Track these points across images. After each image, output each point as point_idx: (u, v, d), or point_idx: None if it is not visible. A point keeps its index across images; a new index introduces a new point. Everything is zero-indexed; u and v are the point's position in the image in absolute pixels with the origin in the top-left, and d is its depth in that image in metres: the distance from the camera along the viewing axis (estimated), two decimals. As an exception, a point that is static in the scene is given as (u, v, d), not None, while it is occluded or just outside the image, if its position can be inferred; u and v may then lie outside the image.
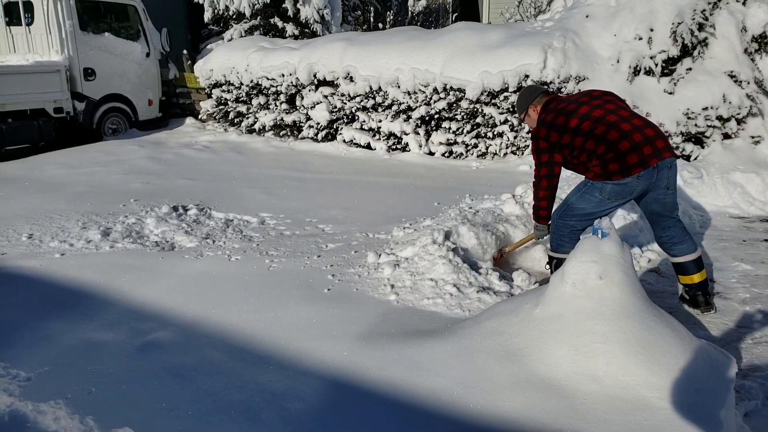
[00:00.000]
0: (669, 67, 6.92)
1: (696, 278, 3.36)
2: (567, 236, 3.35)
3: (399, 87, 8.03)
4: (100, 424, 2.28)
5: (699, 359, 2.34)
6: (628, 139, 3.01)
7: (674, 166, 3.14)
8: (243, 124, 9.89)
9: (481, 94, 7.48)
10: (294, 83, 9.03)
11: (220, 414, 2.37)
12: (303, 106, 9.10)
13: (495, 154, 7.85)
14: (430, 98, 7.89)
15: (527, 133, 7.59)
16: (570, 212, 3.30)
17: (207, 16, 12.21)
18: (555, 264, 3.46)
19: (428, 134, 8.17)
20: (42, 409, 2.31)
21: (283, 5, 11.98)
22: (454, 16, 16.76)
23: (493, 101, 7.56)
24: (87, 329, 3.11)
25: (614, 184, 3.06)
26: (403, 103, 8.10)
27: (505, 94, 7.44)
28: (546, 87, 3.58)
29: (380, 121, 8.38)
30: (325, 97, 8.82)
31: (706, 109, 6.47)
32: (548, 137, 3.28)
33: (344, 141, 8.76)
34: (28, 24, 8.83)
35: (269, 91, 9.42)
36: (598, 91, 3.36)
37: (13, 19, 8.98)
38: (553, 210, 3.52)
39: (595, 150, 3.08)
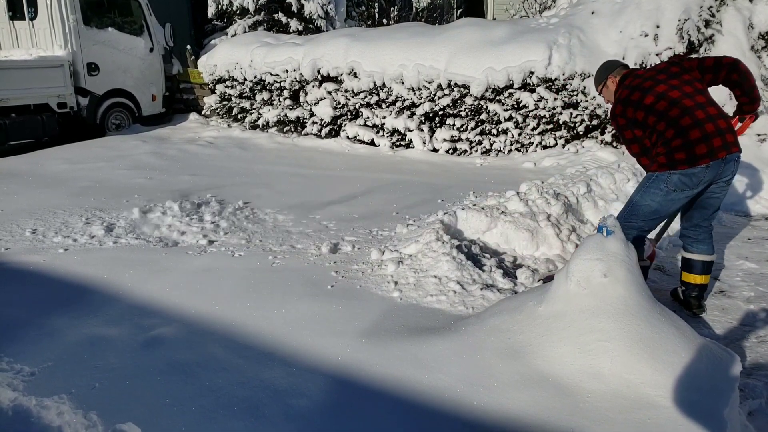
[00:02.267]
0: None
1: (698, 280, 3.33)
2: (632, 240, 3.07)
3: (403, 83, 8.02)
4: (103, 419, 2.29)
5: (703, 358, 2.34)
6: (699, 128, 2.90)
7: (739, 160, 3.05)
8: (246, 120, 9.89)
9: (486, 90, 7.46)
10: (298, 79, 9.02)
11: (223, 410, 2.37)
12: (307, 102, 9.09)
13: (499, 151, 7.84)
14: (435, 94, 7.87)
15: (532, 130, 7.57)
16: (635, 212, 3.14)
17: (211, 11, 12.21)
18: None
19: (432, 131, 8.16)
20: (46, 404, 2.32)
21: (287, 1, 11.96)
22: (459, 12, 16.71)
23: (497, 98, 7.54)
24: (91, 325, 3.11)
25: (681, 173, 2.95)
26: (407, 99, 8.08)
27: (510, 90, 7.42)
28: (625, 63, 3.43)
29: (384, 117, 8.37)
30: (329, 93, 8.81)
31: (711, 106, 6.44)
32: (624, 113, 3.15)
33: (348, 137, 8.75)
34: (32, 19, 8.83)
35: (273, 87, 9.41)
36: (676, 66, 3.16)
37: (16, 13, 8.98)
38: (618, 213, 3.34)
39: (664, 132, 2.98)
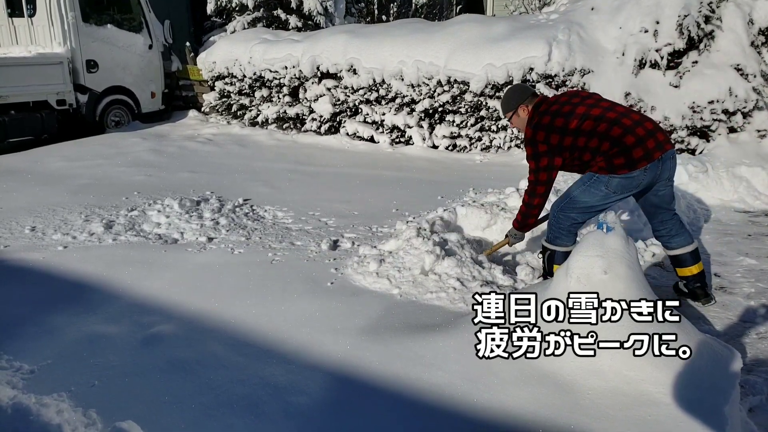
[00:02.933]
0: (675, 60, 6.88)
1: (694, 269, 3.36)
2: (566, 229, 3.31)
3: (403, 80, 8.00)
4: (103, 417, 2.29)
5: (703, 354, 2.33)
6: (632, 134, 2.99)
7: (675, 157, 3.15)
8: (246, 116, 9.88)
9: (486, 87, 7.44)
10: (297, 76, 9.00)
11: (223, 408, 2.37)
12: (306, 98, 9.07)
13: (499, 147, 7.82)
14: (434, 91, 7.85)
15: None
16: (572, 205, 3.24)
17: (210, 8, 12.17)
18: (548, 256, 3.43)
19: (432, 127, 8.15)
20: (45, 401, 2.31)
21: (286, -3, 11.93)
22: (458, 8, 16.66)
23: (497, 94, 7.52)
24: (90, 322, 3.11)
25: (621, 177, 3.03)
26: (407, 96, 8.07)
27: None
28: (533, 89, 3.48)
29: (384, 114, 8.35)
30: (329, 89, 8.79)
31: (711, 102, 6.44)
32: (548, 140, 3.17)
33: (347, 134, 8.74)
34: (31, 15, 8.80)
35: (272, 84, 9.39)
36: (584, 92, 3.32)
37: (15, 10, 8.96)
38: (554, 202, 3.47)
39: (599, 147, 3.05)
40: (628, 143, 2.98)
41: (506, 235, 3.78)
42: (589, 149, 3.09)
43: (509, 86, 3.61)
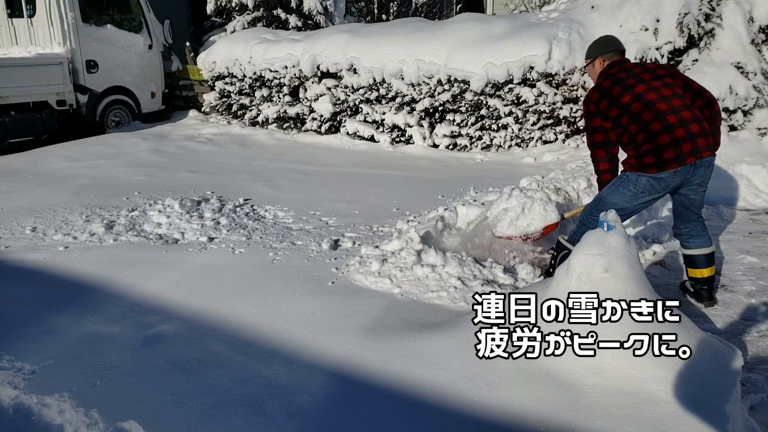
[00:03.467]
0: (675, 58, 6.87)
1: (705, 273, 3.33)
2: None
3: (403, 79, 8.00)
4: (104, 417, 2.29)
5: (704, 352, 2.33)
6: (669, 133, 2.91)
7: (712, 165, 3.06)
8: (246, 116, 9.88)
9: (486, 85, 7.44)
10: (297, 75, 9.00)
11: (224, 407, 2.37)
12: (306, 98, 9.07)
13: (500, 146, 7.82)
14: (434, 90, 7.85)
15: (532, 125, 7.55)
16: (601, 207, 3.14)
17: (210, 7, 12.18)
18: (563, 255, 3.37)
19: (432, 126, 8.15)
20: (47, 402, 2.32)
21: (286, -4, 11.93)
22: (458, 7, 16.66)
23: (497, 93, 7.53)
24: (91, 322, 3.11)
25: (649, 177, 2.99)
26: (407, 95, 8.07)
27: (510, 85, 7.41)
28: (622, 47, 3.39)
29: (384, 113, 8.35)
30: (329, 89, 8.79)
31: (712, 100, 6.43)
32: (599, 103, 3.12)
33: (348, 133, 8.74)
34: (30, 16, 8.81)
35: (272, 84, 9.39)
36: (663, 70, 3.15)
37: (15, 11, 8.96)
38: (586, 205, 3.42)
39: (635, 136, 2.99)
40: (661, 143, 2.92)
41: None
42: (628, 132, 3.04)
43: (600, 36, 3.51)
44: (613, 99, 3.07)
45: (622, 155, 3.21)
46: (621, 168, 3.21)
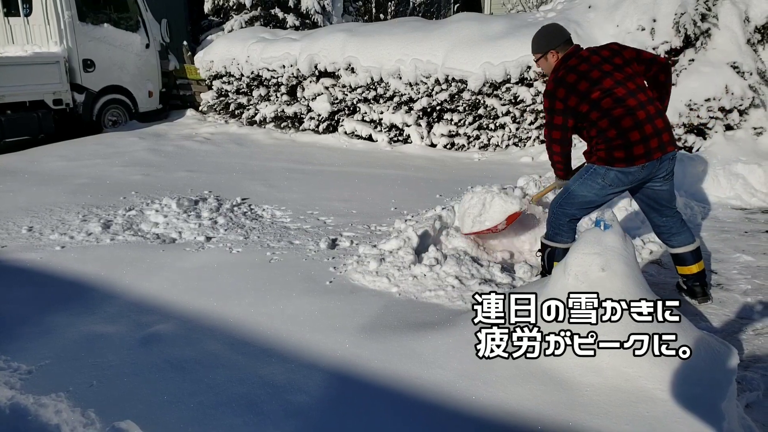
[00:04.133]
0: (671, 58, 6.88)
1: (694, 269, 3.35)
2: (566, 225, 3.30)
3: (400, 78, 8.00)
4: (101, 417, 2.29)
5: (700, 350, 2.34)
6: (639, 130, 2.96)
7: (675, 158, 3.13)
8: (244, 115, 9.87)
9: (483, 85, 7.45)
10: (295, 74, 9.00)
11: (222, 407, 2.37)
12: (304, 97, 9.06)
13: (497, 145, 7.83)
14: (432, 89, 7.85)
15: (530, 124, 7.56)
16: (570, 200, 3.23)
17: (207, 6, 12.15)
18: (548, 253, 3.42)
19: (430, 126, 8.15)
20: (43, 402, 2.31)
21: (284, -4, 11.92)
22: (456, 6, 16.65)
23: (495, 92, 7.53)
24: (88, 322, 3.11)
25: (618, 171, 3.03)
26: (405, 94, 8.07)
27: (507, 85, 7.41)
28: (569, 34, 3.31)
29: (382, 112, 8.35)
30: (326, 88, 8.79)
31: (708, 100, 6.44)
32: (566, 99, 3.08)
33: (345, 133, 8.74)
34: (27, 15, 8.78)
35: (270, 83, 9.39)
36: (619, 57, 3.10)
37: (11, 9, 8.94)
38: (553, 198, 3.47)
39: (605, 131, 3.00)
40: (632, 139, 2.96)
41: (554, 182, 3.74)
42: (597, 127, 3.04)
43: (545, 24, 3.43)
44: (581, 95, 3.05)
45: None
46: (586, 159, 3.22)
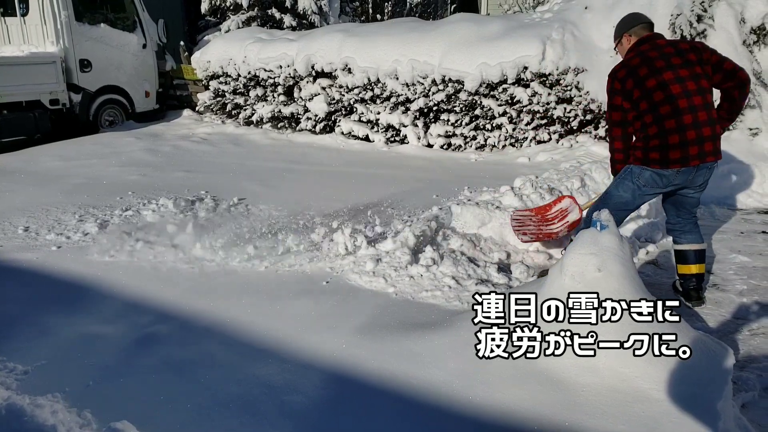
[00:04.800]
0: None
1: (693, 269, 3.36)
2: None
3: (397, 79, 8.00)
4: (98, 417, 2.28)
5: (697, 351, 2.35)
6: (680, 134, 2.91)
7: (713, 167, 3.07)
8: (241, 116, 9.86)
9: (480, 85, 7.45)
10: (292, 75, 8.99)
11: (218, 407, 2.37)
12: (301, 98, 9.06)
13: (494, 146, 7.84)
14: (429, 90, 7.86)
15: (526, 125, 7.57)
16: (608, 201, 3.20)
17: (204, 7, 12.15)
18: None
19: (427, 126, 8.15)
20: (39, 402, 2.31)
21: (281, -4, 11.92)
22: (453, 7, 16.67)
23: (491, 93, 7.54)
24: (85, 323, 3.10)
25: (653, 172, 3.01)
26: (402, 95, 8.07)
27: (504, 85, 7.42)
28: (649, 20, 3.25)
29: (379, 113, 8.35)
30: (323, 88, 8.79)
31: (705, 100, 6.45)
32: (624, 81, 3.04)
33: (342, 133, 8.74)
34: (23, 15, 8.76)
35: (267, 83, 9.38)
36: (695, 54, 3.01)
37: (7, 9, 8.91)
38: (591, 206, 3.46)
39: (648, 126, 2.97)
40: (670, 141, 2.93)
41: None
42: (642, 119, 3.00)
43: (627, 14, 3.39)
44: (639, 79, 3.00)
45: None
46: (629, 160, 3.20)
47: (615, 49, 3.39)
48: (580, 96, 7.22)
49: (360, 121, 8.61)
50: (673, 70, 2.97)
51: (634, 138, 3.14)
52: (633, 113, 3.08)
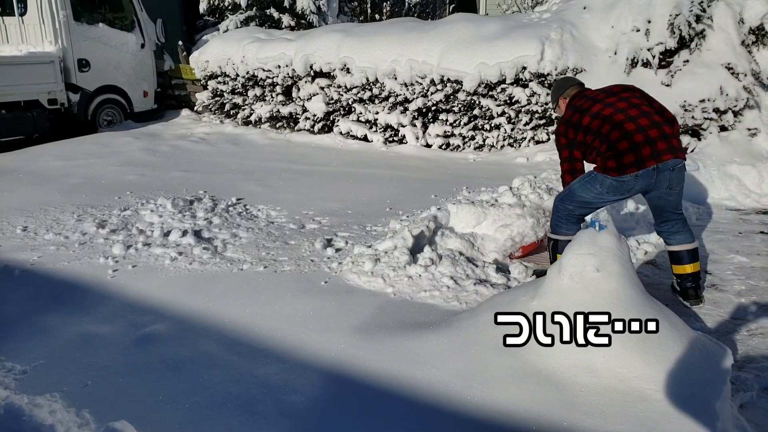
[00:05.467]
0: (666, 59, 6.92)
1: (688, 269, 3.38)
2: (564, 218, 3.40)
3: (396, 79, 8.01)
4: (96, 417, 2.28)
5: (695, 351, 2.35)
6: (627, 139, 3.04)
7: (678, 168, 3.11)
8: (239, 115, 9.85)
9: (479, 86, 7.46)
10: (290, 75, 8.99)
11: (217, 407, 2.36)
12: (299, 97, 9.06)
13: (492, 146, 7.84)
14: (427, 90, 7.86)
15: (525, 125, 7.58)
16: (570, 197, 3.34)
17: (202, 6, 12.14)
18: (552, 245, 3.51)
19: (425, 126, 8.16)
20: (38, 402, 2.30)
21: (279, -4, 11.90)
22: (451, 7, 16.67)
23: (490, 93, 7.54)
24: (83, 322, 3.09)
25: (613, 179, 3.11)
26: (400, 95, 8.07)
27: (503, 85, 7.43)
28: (578, 81, 3.66)
29: (377, 113, 8.35)
30: (322, 88, 8.79)
31: (703, 101, 6.47)
32: (566, 134, 3.35)
33: (341, 133, 8.74)
34: (21, 14, 8.74)
35: (265, 83, 9.38)
36: (619, 87, 3.37)
37: (6, 9, 8.89)
38: (558, 194, 3.56)
39: (599, 148, 3.15)
40: (620, 148, 3.04)
41: None
42: (593, 147, 3.20)
43: (557, 79, 3.75)
44: (577, 126, 3.27)
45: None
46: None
47: (554, 113, 3.68)
48: (579, 96, 7.22)
49: (358, 121, 8.61)
50: (600, 102, 3.26)
51: (594, 158, 3.28)
52: (587, 151, 3.29)
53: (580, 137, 3.26)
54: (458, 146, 7.97)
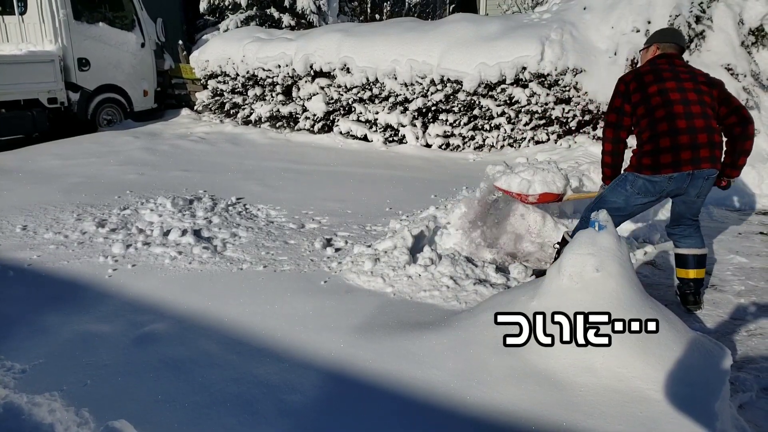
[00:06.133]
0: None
1: (691, 273, 3.35)
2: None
3: (396, 78, 8.01)
4: (95, 416, 2.28)
5: (694, 351, 2.35)
6: (671, 137, 2.92)
7: (711, 178, 3.07)
8: (239, 115, 9.85)
9: (479, 86, 7.46)
10: (290, 74, 8.99)
11: (216, 406, 2.36)
12: (299, 97, 9.06)
13: (492, 146, 7.85)
14: (427, 90, 7.86)
15: (524, 125, 7.58)
16: (601, 205, 3.21)
17: (203, 6, 12.14)
18: (563, 247, 3.46)
19: (425, 126, 8.16)
20: (37, 401, 2.30)
21: (279, -5, 11.91)
22: (452, 7, 16.68)
23: (490, 93, 7.55)
24: (82, 321, 3.09)
25: (645, 179, 3.02)
26: (400, 94, 8.07)
27: (503, 86, 7.43)
28: (683, 45, 3.34)
29: (377, 112, 8.36)
30: (322, 88, 8.79)
31: (702, 101, 6.47)
32: (629, 83, 3.11)
33: (341, 133, 8.74)
34: (21, 13, 8.74)
35: (265, 83, 9.38)
36: (704, 76, 3.11)
37: (6, 8, 8.89)
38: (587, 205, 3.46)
39: (642, 131, 3.01)
40: (661, 145, 2.94)
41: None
42: (639, 124, 3.04)
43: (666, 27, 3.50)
44: (642, 84, 3.05)
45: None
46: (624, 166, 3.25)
47: (640, 51, 3.42)
48: (579, 96, 7.23)
49: (358, 120, 8.61)
50: (677, 81, 3.01)
51: (635, 135, 3.16)
52: (632, 118, 3.11)
53: (636, 98, 3.04)
54: (458, 146, 7.98)
